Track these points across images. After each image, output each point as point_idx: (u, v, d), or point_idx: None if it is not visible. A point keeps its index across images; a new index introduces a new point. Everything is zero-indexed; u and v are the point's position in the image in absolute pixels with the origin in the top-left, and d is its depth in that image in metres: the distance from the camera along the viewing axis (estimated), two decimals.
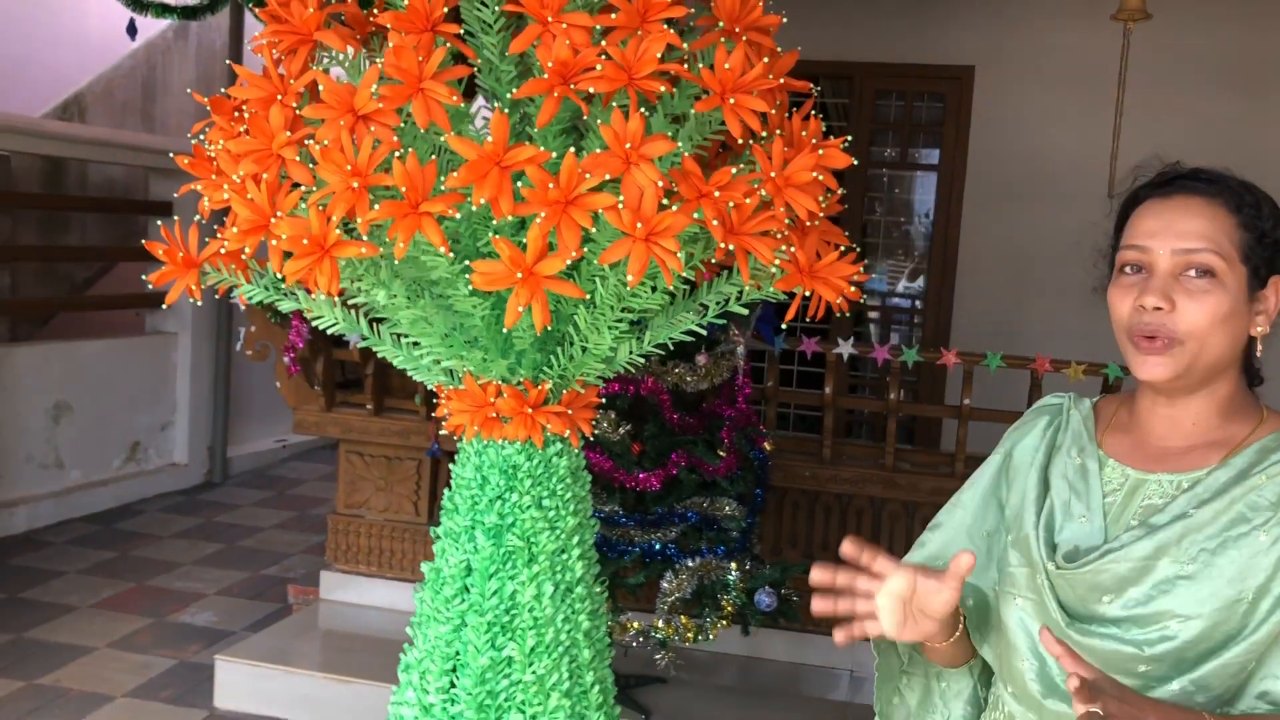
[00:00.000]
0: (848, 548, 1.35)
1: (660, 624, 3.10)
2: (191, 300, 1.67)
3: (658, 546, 3.20)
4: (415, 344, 1.69)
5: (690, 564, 3.17)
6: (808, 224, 1.53)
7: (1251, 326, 1.35)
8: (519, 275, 1.31)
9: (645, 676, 3.60)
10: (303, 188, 1.42)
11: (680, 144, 1.52)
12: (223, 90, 1.57)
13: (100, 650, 4.21)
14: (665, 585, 3.15)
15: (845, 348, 3.64)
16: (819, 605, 1.36)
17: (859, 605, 1.33)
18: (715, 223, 1.39)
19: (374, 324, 1.70)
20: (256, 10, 1.54)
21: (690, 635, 3.08)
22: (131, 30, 3.85)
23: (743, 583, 3.14)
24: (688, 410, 3.31)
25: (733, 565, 3.16)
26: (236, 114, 1.53)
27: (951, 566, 1.32)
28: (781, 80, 1.52)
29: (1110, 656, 1.32)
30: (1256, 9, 5.28)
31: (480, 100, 1.70)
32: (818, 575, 1.35)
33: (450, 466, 1.79)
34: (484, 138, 1.56)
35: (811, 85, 1.61)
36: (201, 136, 1.57)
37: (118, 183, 6.89)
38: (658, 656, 3.17)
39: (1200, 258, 1.32)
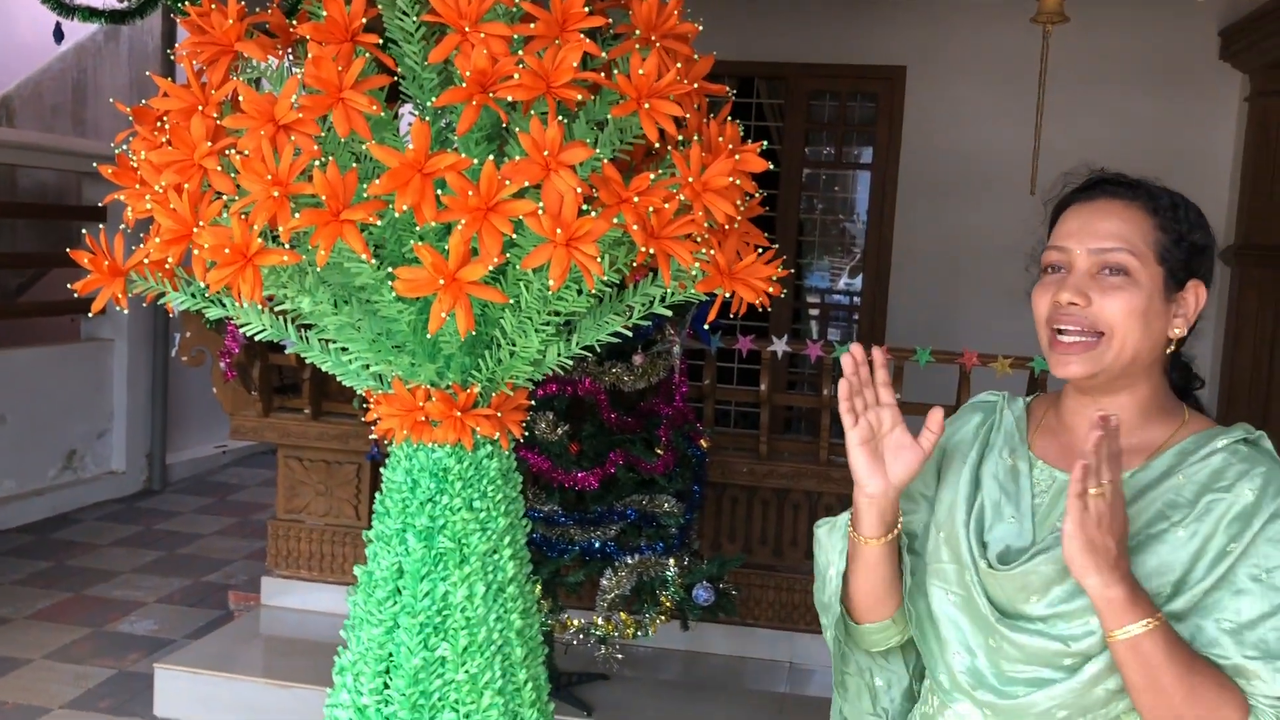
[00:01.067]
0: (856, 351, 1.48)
1: (600, 621, 3.13)
2: (118, 308, 1.68)
3: (597, 545, 3.23)
4: (343, 349, 1.71)
5: (629, 561, 3.21)
6: (726, 227, 1.57)
7: (1170, 328, 1.39)
8: (441, 282, 1.33)
9: (587, 674, 3.63)
10: (225, 197, 1.43)
11: (600, 150, 1.56)
12: (144, 101, 1.58)
13: (36, 661, 4.16)
14: (605, 583, 3.19)
15: (779, 345, 3.70)
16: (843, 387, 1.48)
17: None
18: (635, 228, 1.43)
19: (302, 330, 1.72)
20: (178, 19, 1.54)
21: (630, 631, 3.11)
22: (58, 35, 3.81)
23: (681, 578, 3.18)
24: (625, 409, 3.34)
25: (671, 561, 3.20)
26: (159, 124, 1.54)
27: (928, 421, 1.42)
28: (697, 85, 1.55)
29: (1038, 651, 1.38)
30: (1170, 8, 5.42)
31: (408, 107, 1.72)
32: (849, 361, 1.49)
33: (382, 470, 1.81)
34: (408, 145, 1.59)
35: (728, 89, 1.65)
36: (125, 146, 1.58)
37: (49, 187, 6.78)
38: (598, 653, 3.21)
39: (1114, 257, 1.37)
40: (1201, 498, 1.34)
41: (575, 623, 3.16)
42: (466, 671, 1.71)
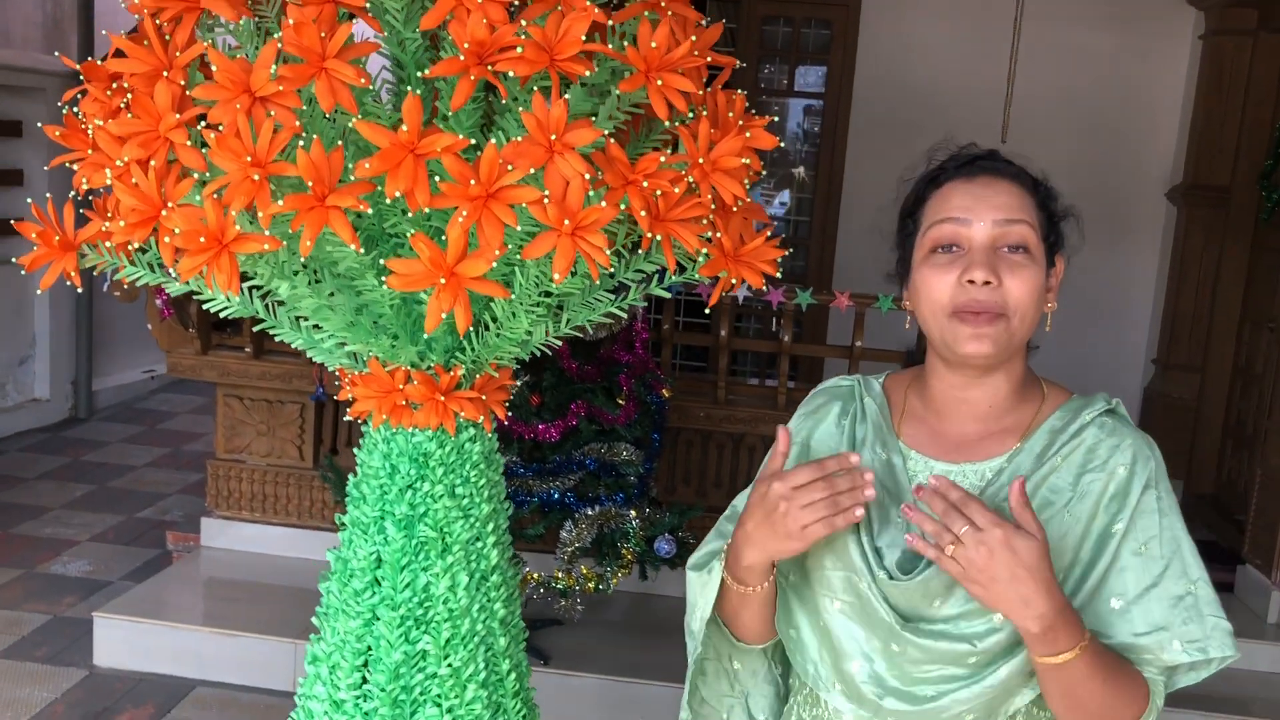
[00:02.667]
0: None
1: (560, 574, 3.08)
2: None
3: (556, 495, 3.17)
4: (316, 327, 1.59)
5: (589, 513, 3.15)
6: (732, 208, 1.48)
7: (1045, 303, 1.40)
8: (441, 280, 1.23)
9: (541, 620, 3.59)
10: (196, 174, 1.30)
11: (600, 123, 1.45)
12: (92, 57, 1.43)
13: None
14: (565, 535, 3.13)
15: (741, 290, 3.62)
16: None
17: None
18: (643, 214, 1.33)
19: (270, 304, 1.60)
20: None
21: (591, 585, 3.07)
22: None
23: (642, 531, 3.14)
24: (585, 358, 3.26)
25: (632, 513, 3.15)
26: (114, 85, 1.40)
27: (778, 442, 1.39)
28: (709, 57, 1.44)
29: (944, 652, 1.35)
30: None
31: (380, 62, 1.59)
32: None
33: (355, 453, 1.72)
34: (386, 110, 1.46)
35: (738, 61, 1.54)
36: (76, 108, 1.43)
37: None
38: (557, 606, 3.16)
39: (1018, 229, 1.36)
40: (1080, 478, 1.35)
41: (535, 576, 3.10)
42: (449, 665, 1.64)
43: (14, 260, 1.53)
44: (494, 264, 1.29)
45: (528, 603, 3.22)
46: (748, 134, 1.44)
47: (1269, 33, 5.07)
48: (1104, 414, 1.41)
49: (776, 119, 1.49)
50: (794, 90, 6.18)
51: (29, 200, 1.52)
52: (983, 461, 1.41)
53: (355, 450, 1.72)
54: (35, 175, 6.13)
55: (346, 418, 1.84)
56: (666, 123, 1.39)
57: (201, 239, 1.23)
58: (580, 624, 3.68)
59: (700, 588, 1.53)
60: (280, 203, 1.23)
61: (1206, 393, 5.36)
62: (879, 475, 1.43)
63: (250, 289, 1.56)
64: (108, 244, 1.48)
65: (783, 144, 6.33)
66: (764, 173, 1.53)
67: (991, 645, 1.33)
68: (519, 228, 1.30)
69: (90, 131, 1.37)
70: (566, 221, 1.26)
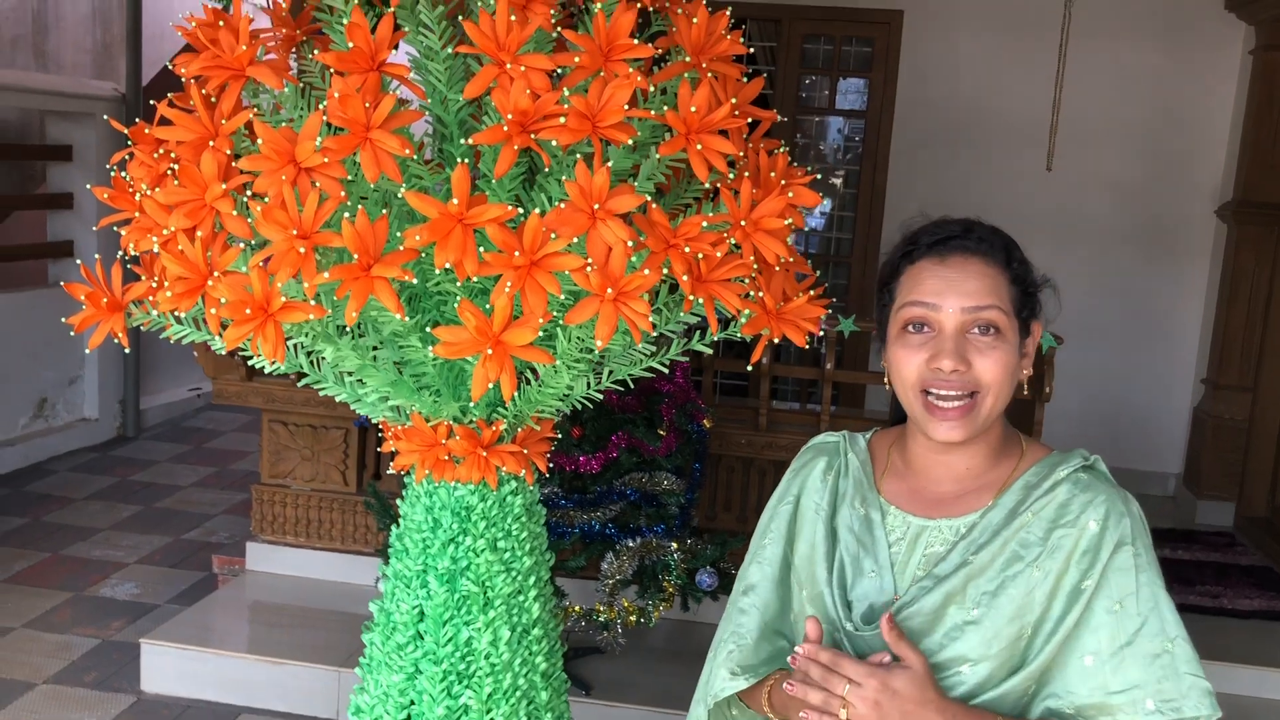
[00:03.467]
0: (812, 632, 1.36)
1: (602, 607, 3.08)
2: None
3: (597, 527, 3.16)
4: (360, 382, 1.60)
5: (630, 544, 3.14)
6: (775, 267, 1.47)
7: (1020, 371, 1.41)
8: (487, 348, 1.23)
9: (583, 648, 3.58)
10: (241, 243, 1.32)
11: (640, 184, 1.45)
12: (138, 122, 1.44)
13: (17, 630, 4.07)
14: (606, 567, 3.13)
15: None
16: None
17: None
18: (685, 278, 1.33)
19: (314, 358, 1.61)
20: (182, 32, 1.40)
21: (632, 619, 3.06)
22: None
23: (684, 563, 3.12)
24: (626, 388, 3.25)
25: (674, 545, 3.14)
26: (160, 149, 1.41)
27: (808, 631, 1.37)
28: (750, 120, 1.44)
29: None
30: None
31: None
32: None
33: (398, 504, 1.72)
34: (429, 170, 1.47)
35: (778, 115, 1.54)
36: (122, 170, 1.45)
37: (11, 125, 6.51)
38: (599, 637, 3.16)
39: (987, 314, 1.36)
40: (1051, 534, 1.36)
41: (577, 609, 3.10)
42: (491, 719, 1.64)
43: (63, 286, 1.55)
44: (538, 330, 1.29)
45: (569, 634, 3.21)
46: (790, 193, 1.43)
47: None
48: (1080, 470, 1.42)
49: (815, 139, 1.47)
50: (835, 108, 6.15)
51: (79, 262, 1.54)
52: (958, 517, 1.43)
53: (399, 503, 1.73)
54: (85, 198, 6.22)
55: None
56: (705, 183, 1.39)
57: (247, 310, 1.24)
58: (622, 652, 3.66)
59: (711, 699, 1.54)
60: (326, 274, 1.23)
61: (1258, 413, 5.27)
62: (856, 530, 1.48)
63: (295, 345, 1.57)
64: (154, 307, 1.50)
65: (821, 155, 6.30)
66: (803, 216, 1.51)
67: (955, 697, 1.35)
68: (562, 294, 1.30)
69: (138, 197, 1.39)
70: (609, 289, 1.26)
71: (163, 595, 4.43)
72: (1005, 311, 1.37)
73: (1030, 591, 1.35)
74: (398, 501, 1.73)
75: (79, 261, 1.48)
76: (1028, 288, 1.43)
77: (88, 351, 5.01)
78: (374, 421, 1.75)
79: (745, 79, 1.49)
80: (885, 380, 1.48)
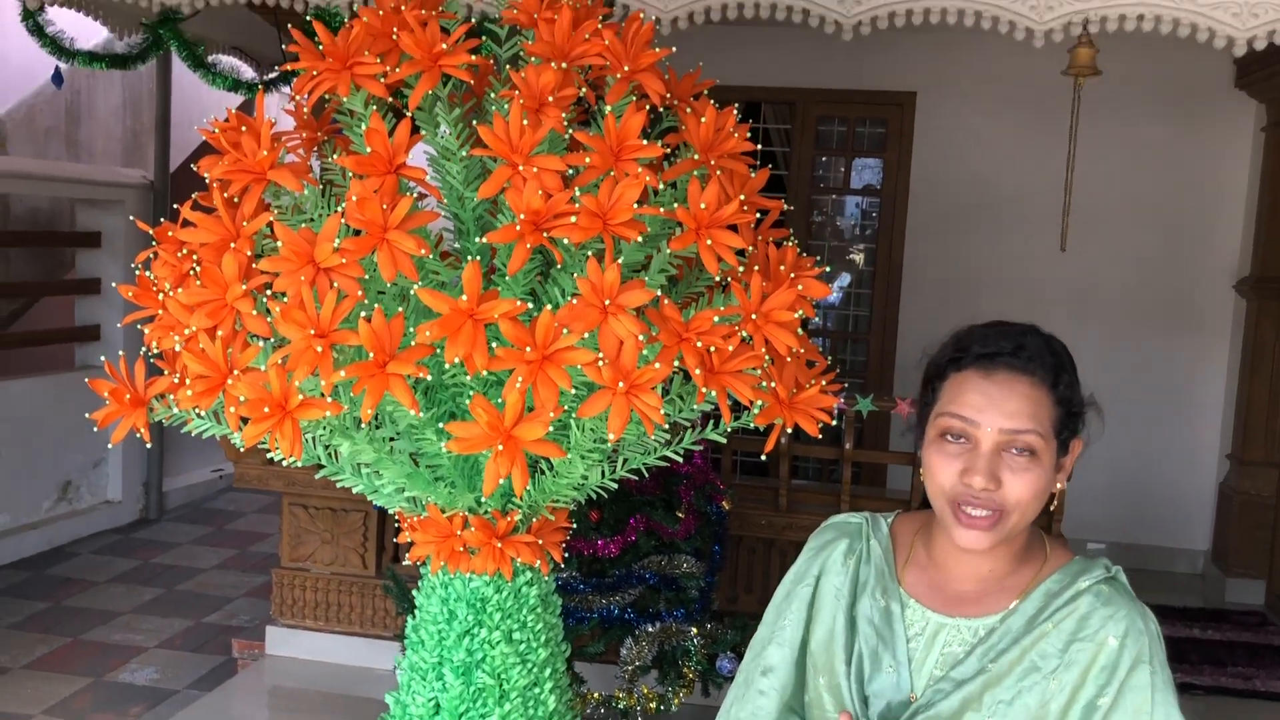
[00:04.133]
0: None
1: (621, 694, 3.05)
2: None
3: (616, 611, 3.14)
4: (376, 474, 1.62)
5: (650, 629, 3.12)
6: (786, 358, 1.48)
7: (1053, 486, 1.42)
8: (500, 445, 1.24)
9: None
10: (261, 341, 1.34)
11: (651, 278, 1.47)
12: (159, 218, 1.48)
13: (37, 718, 4.05)
14: (625, 653, 3.10)
15: None
16: None
17: None
18: (698, 371, 1.34)
19: (332, 450, 1.63)
20: (206, 135, 1.45)
21: (652, 705, 3.03)
22: (58, 79, 3.71)
23: (704, 648, 3.10)
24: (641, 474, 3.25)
25: (693, 630, 3.11)
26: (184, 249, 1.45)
27: None
28: (759, 213, 1.46)
29: None
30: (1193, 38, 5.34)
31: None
32: None
33: (414, 593, 1.73)
34: (445, 266, 1.50)
35: (785, 203, 1.57)
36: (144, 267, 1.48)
37: (42, 213, 6.65)
38: None
39: (1024, 439, 1.37)
40: (1070, 647, 1.37)
41: (596, 695, 3.07)
42: None
43: (85, 380, 1.57)
44: (550, 424, 1.31)
45: None
46: (799, 285, 1.45)
47: None
48: (1102, 581, 1.42)
49: (831, 216, 1.50)
50: (850, 187, 6.21)
51: (103, 358, 1.57)
52: (977, 618, 1.44)
53: (414, 592, 1.73)
54: (111, 284, 6.32)
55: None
56: (716, 276, 1.41)
57: (266, 408, 1.26)
58: None
59: None
60: (343, 371, 1.26)
61: None
62: (876, 623, 1.48)
63: (313, 438, 1.59)
64: (174, 400, 1.52)
65: (838, 233, 6.35)
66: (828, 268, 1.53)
67: None
68: (573, 388, 1.32)
69: (161, 296, 1.42)
70: (621, 382, 1.28)
71: (183, 680, 4.41)
72: (1043, 435, 1.38)
73: (1045, 704, 1.36)
74: (414, 591, 1.73)
75: (103, 358, 1.51)
76: (1072, 408, 1.43)
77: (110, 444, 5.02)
78: (391, 511, 1.76)
79: (759, 160, 1.52)
80: (920, 473, 1.49)
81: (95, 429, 1.52)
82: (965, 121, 5.75)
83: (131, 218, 1.83)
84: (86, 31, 4.58)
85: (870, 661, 1.46)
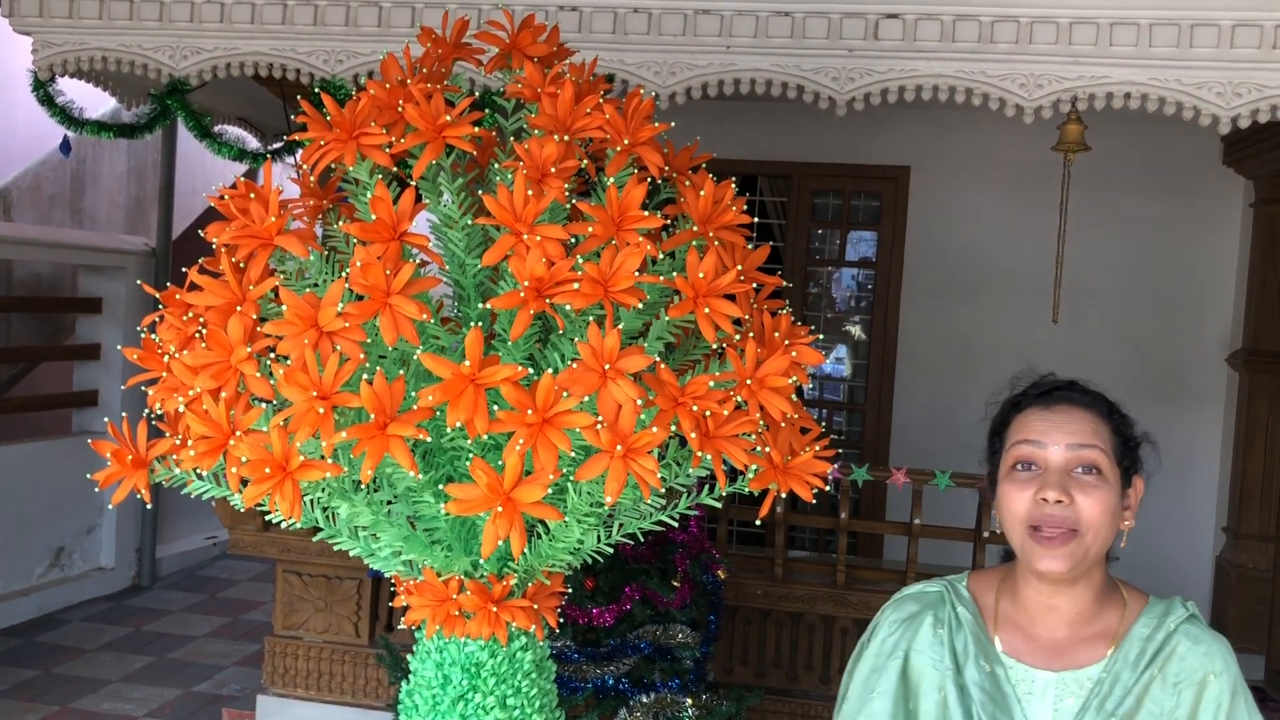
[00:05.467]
0: None
1: None
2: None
3: (610, 681, 3.12)
4: (374, 536, 1.63)
5: (645, 699, 3.10)
6: (780, 423, 1.50)
7: (1121, 520, 1.53)
8: (499, 508, 1.26)
9: None
10: (264, 404, 1.37)
11: (650, 345, 1.50)
12: (162, 285, 1.51)
13: None
14: None
15: None
16: None
17: None
18: (693, 435, 1.36)
19: (329, 513, 1.64)
20: (215, 203, 1.48)
21: None
22: (65, 148, 3.78)
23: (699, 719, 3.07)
24: (639, 539, 3.25)
25: (688, 701, 3.09)
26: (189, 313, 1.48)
27: None
28: (756, 285, 1.50)
29: None
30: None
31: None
32: None
33: (408, 659, 1.72)
34: (446, 331, 1.52)
35: (782, 278, 1.60)
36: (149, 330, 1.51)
37: (44, 279, 6.71)
38: None
39: (1090, 454, 1.49)
40: (1177, 688, 1.48)
41: None
42: None
43: (90, 444, 1.59)
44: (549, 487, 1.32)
45: None
46: (794, 352, 1.47)
47: None
48: (1186, 621, 1.53)
49: (826, 288, 1.53)
50: (845, 259, 6.28)
51: (106, 420, 1.59)
52: (1080, 669, 1.52)
53: (409, 657, 1.73)
54: (112, 349, 6.36)
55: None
56: (713, 344, 1.44)
57: (266, 469, 1.28)
58: None
59: None
60: (344, 433, 1.28)
61: None
62: (987, 689, 1.53)
63: (311, 501, 1.60)
64: (176, 461, 1.54)
65: (833, 304, 6.40)
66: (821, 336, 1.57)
67: None
68: (572, 451, 1.34)
69: (166, 358, 1.44)
70: (619, 446, 1.29)
71: None
72: (1106, 454, 1.50)
73: None
74: (408, 656, 1.73)
75: (106, 420, 1.53)
76: (1128, 441, 1.55)
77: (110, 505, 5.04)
78: (387, 574, 1.77)
79: (756, 233, 1.55)
80: (996, 525, 1.58)
81: (97, 489, 1.53)
82: (958, 195, 5.84)
83: (139, 282, 1.87)
84: (95, 101, 4.67)
85: None
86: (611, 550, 1.67)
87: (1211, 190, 5.59)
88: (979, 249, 5.82)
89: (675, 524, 1.64)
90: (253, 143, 4.96)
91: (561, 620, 3.14)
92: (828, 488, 1.60)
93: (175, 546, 7.07)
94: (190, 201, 6.98)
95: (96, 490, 1.53)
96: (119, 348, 1.64)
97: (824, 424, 6.47)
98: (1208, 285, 5.64)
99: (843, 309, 6.42)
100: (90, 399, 6.39)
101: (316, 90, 3.31)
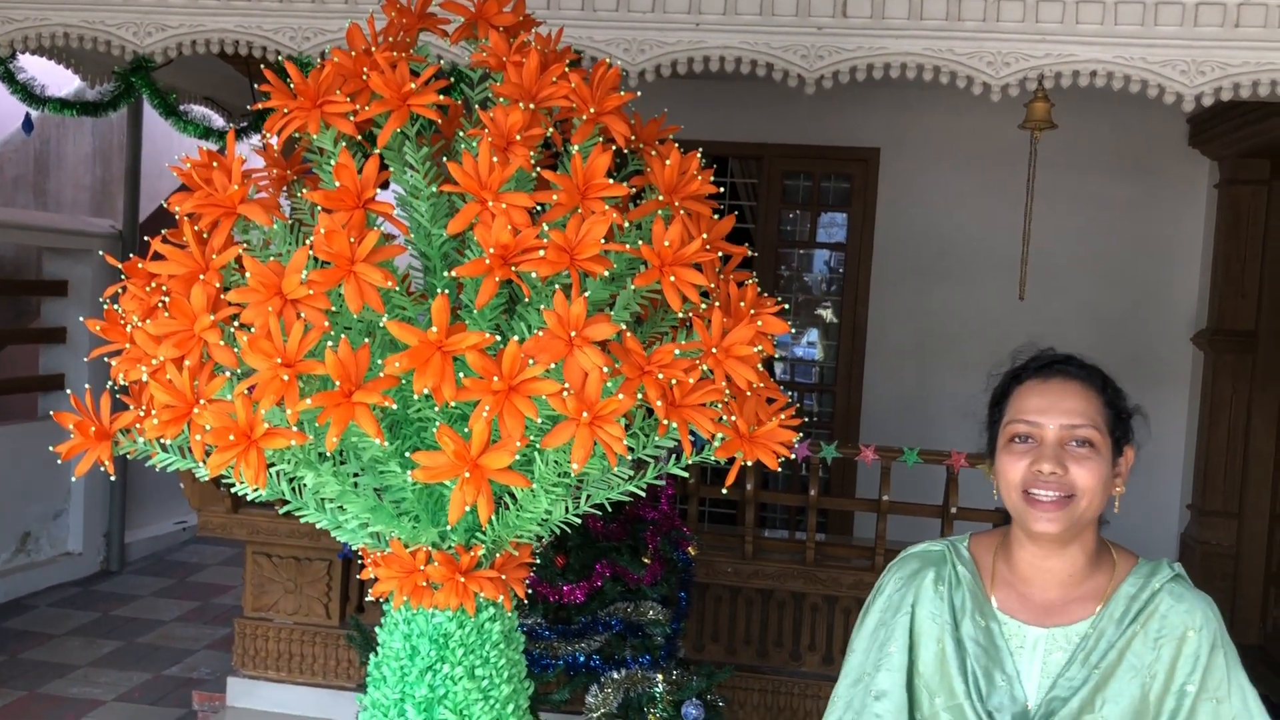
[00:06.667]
0: None
1: None
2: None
3: (581, 658, 3.13)
4: (341, 508, 1.62)
5: (616, 676, 3.11)
6: (746, 392, 1.51)
7: (1113, 487, 1.63)
8: (466, 474, 1.26)
9: None
10: (228, 372, 1.36)
11: (617, 314, 1.50)
12: (132, 257, 1.50)
13: None
14: (591, 700, 3.09)
15: None
16: None
17: None
18: (659, 403, 1.37)
19: (296, 485, 1.63)
20: (178, 172, 1.47)
21: None
22: (28, 126, 3.72)
23: (670, 695, 3.09)
24: (610, 516, 3.26)
25: (659, 677, 3.10)
26: (152, 283, 1.46)
27: None
28: (720, 253, 1.50)
29: None
30: (1139, 95, 5.49)
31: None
32: None
33: (377, 630, 1.72)
34: (410, 302, 1.52)
35: (749, 249, 1.60)
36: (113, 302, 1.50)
37: (7, 261, 6.63)
38: None
39: (1082, 432, 1.59)
40: (1158, 644, 1.57)
41: None
42: None
43: (53, 415, 1.58)
44: (516, 454, 1.32)
45: None
46: (759, 322, 1.48)
47: None
48: (1171, 580, 1.62)
49: (798, 271, 1.54)
50: (816, 241, 6.30)
51: (69, 393, 1.57)
52: (1070, 625, 1.61)
53: (377, 629, 1.73)
54: (78, 333, 6.30)
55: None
56: (680, 313, 1.44)
57: (231, 436, 1.27)
58: None
59: None
60: (309, 400, 1.27)
61: (1245, 539, 5.28)
62: (982, 643, 1.62)
63: (277, 472, 1.60)
64: (141, 435, 1.53)
65: (805, 287, 6.42)
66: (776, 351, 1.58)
67: None
68: (539, 419, 1.34)
69: (129, 328, 1.43)
70: (585, 413, 1.30)
71: None
72: (1099, 430, 1.59)
73: (1145, 695, 1.55)
74: (377, 630, 1.73)
75: (69, 392, 1.51)
76: (1120, 412, 1.64)
77: (74, 479, 5.00)
78: (354, 548, 1.76)
79: (722, 214, 1.56)
80: (995, 492, 1.66)
81: (59, 460, 1.52)
82: (928, 176, 5.87)
83: (102, 253, 1.85)
84: (58, 81, 4.61)
85: (984, 679, 1.60)
86: (579, 522, 1.67)
87: (1177, 171, 5.64)
88: (948, 231, 5.86)
89: (643, 494, 1.65)
90: (219, 121, 4.92)
91: (532, 597, 3.15)
92: (793, 456, 1.61)
93: (144, 532, 7.02)
94: (157, 184, 6.90)
95: (59, 462, 1.51)
96: (82, 319, 1.62)
97: (795, 406, 6.49)
98: (1173, 265, 5.70)
99: (815, 292, 6.45)
100: (56, 382, 6.33)
101: (280, 57, 3.29)
